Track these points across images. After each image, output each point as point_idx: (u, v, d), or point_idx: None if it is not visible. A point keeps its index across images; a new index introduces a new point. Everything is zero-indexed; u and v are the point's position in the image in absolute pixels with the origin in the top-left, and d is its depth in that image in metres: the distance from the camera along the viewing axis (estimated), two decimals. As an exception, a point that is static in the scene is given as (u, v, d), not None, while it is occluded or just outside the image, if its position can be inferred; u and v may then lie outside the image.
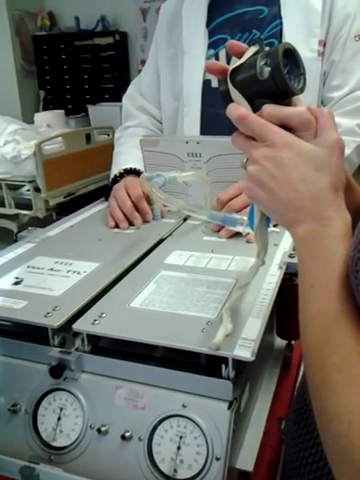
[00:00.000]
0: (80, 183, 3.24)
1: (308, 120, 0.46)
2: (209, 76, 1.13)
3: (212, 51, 1.13)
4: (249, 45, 0.49)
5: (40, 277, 0.68)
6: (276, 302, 0.63)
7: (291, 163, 0.45)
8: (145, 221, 0.94)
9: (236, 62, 0.48)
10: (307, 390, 0.45)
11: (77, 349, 0.58)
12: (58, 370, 0.55)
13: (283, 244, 0.79)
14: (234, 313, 0.55)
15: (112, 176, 1.11)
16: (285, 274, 0.70)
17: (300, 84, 0.47)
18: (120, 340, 0.55)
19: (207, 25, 1.13)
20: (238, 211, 0.86)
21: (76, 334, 0.59)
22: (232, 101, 0.48)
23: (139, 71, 4.60)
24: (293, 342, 0.79)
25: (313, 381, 0.43)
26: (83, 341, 0.57)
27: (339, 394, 0.39)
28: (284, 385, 0.74)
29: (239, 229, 0.85)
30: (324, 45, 1.06)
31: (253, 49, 0.48)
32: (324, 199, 0.45)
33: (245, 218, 0.85)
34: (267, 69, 0.45)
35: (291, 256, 0.73)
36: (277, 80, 0.45)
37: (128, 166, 1.09)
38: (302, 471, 0.51)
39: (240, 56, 0.49)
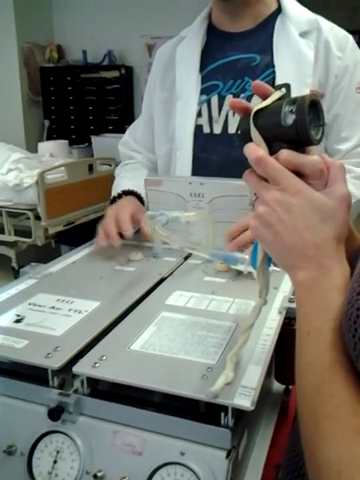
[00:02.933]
0: (80, 212, 3.26)
1: (321, 170, 0.48)
2: (201, 121, 1.15)
3: (204, 97, 1.15)
4: (275, 89, 0.50)
5: (41, 315, 0.69)
6: (275, 346, 0.64)
7: (300, 210, 0.47)
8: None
9: (260, 103, 0.50)
10: (300, 438, 0.46)
11: (76, 391, 0.58)
12: (57, 412, 0.55)
13: (283, 288, 0.80)
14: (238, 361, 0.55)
15: (111, 198, 1.16)
16: (285, 318, 0.71)
17: (319, 135, 0.48)
18: (119, 384, 0.55)
19: (200, 70, 1.15)
20: (245, 246, 0.87)
21: (75, 375, 0.59)
22: (250, 140, 0.50)
23: (143, 104, 4.71)
24: (291, 387, 0.79)
25: (305, 428, 0.43)
26: (82, 383, 0.57)
27: (330, 443, 0.39)
28: (281, 431, 0.73)
29: (240, 268, 0.86)
30: (316, 95, 1.08)
31: (278, 93, 0.50)
32: (327, 249, 0.47)
33: (246, 257, 0.87)
34: (291, 117, 0.47)
35: (291, 300, 0.74)
36: (300, 130, 0.46)
37: (125, 188, 1.15)
38: None
39: (263, 98, 0.50)
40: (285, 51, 1.08)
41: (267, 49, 1.10)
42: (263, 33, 1.11)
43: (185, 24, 1.25)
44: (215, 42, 1.16)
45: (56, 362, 0.57)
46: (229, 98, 1.13)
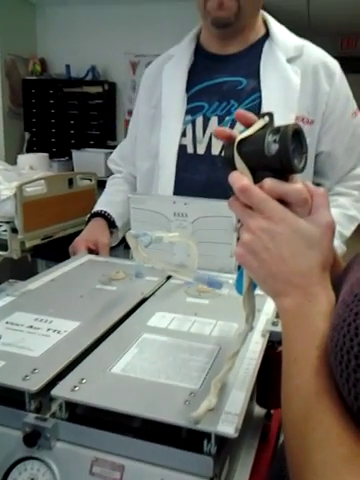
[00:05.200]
0: (59, 226, 3.22)
1: (305, 198, 0.48)
2: (185, 141, 1.16)
3: (189, 117, 1.15)
4: (258, 117, 0.51)
5: (19, 335, 0.67)
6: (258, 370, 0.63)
7: (285, 238, 0.47)
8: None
9: (244, 132, 0.50)
10: (285, 466, 0.45)
11: (53, 415, 0.56)
12: (33, 438, 0.53)
13: (266, 310, 0.79)
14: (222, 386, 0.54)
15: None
16: (268, 342, 0.70)
17: (302, 163, 0.49)
18: (99, 408, 0.53)
19: (187, 90, 1.16)
20: None
21: (53, 398, 0.57)
22: (234, 167, 0.50)
23: (126, 120, 4.73)
24: (272, 411, 0.78)
25: (293, 456, 0.43)
26: (61, 407, 0.55)
27: (319, 474, 0.39)
28: (262, 457, 0.72)
29: (224, 292, 0.85)
30: (302, 120, 1.10)
31: (261, 122, 0.50)
32: (312, 277, 0.47)
33: (230, 282, 0.86)
34: (274, 146, 0.47)
35: (274, 324, 0.73)
36: (283, 159, 0.47)
37: (96, 209, 1.27)
38: None
39: (247, 126, 0.51)
40: (272, 76, 1.09)
41: (254, 73, 1.11)
42: (250, 57, 1.13)
43: (169, 43, 1.26)
44: (202, 63, 1.17)
45: (34, 385, 0.55)
46: (214, 120, 1.13)
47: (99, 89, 4.64)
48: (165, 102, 1.17)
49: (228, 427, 0.49)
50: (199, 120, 1.14)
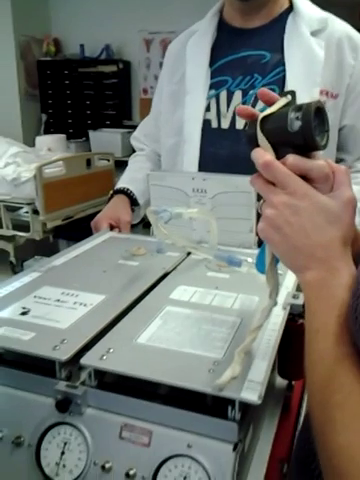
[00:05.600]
0: (78, 207, 3.26)
1: (327, 174, 0.49)
2: (209, 116, 1.16)
3: (213, 92, 1.16)
4: (280, 95, 0.52)
5: (47, 308, 0.69)
6: (279, 342, 0.64)
7: (307, 212, 0.48)
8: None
9: (267, 110, 0.51)
10: (310, 435, 0.47)
11: (83, 383, 0.58)
12: (65, 404, 0.56)
13: (286, 284, 0.80)
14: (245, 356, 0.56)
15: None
16: (289, 314, 0.71)
17: (324, 140, 0.50)
18: (126, 376, 0.55)
19: (210, 65, 1.16)
20: None
21: (82, 367, 0.59)
22: (257, 145, 0.51)
23: (141, 99, 4.72)
24: (294, 382, 0.80)
25: (317, 419, 0.45)
26: (90, 376, 0.57)
27: (341, 431, 0.41)
28: (284, 426, 0.74)
29: (243, 270, 0.86)
30: (326, 94, 1.10)
31: (284, 100, 0.51)
32: (335, 250, 0.48)
33: (249, 260, 0.87)
34: (297, 123, 0.48)
35: (295, 297, 0.74)
36: (306, 135, 0.48)
37: (119, 186, 1.28)
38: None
39: (269, 104, 0.52)
40: (296, 49, 1.09)
41: (277, 47, 1.10)
42: (274, 31, 1.12)
43: (183, 19, 1.26)
44: (226, 38, 1.17)
45: (64, 354, 0.57)
46: (238, 94, 1.14)
47: (114, 68, 4.62)
48: (189, 78, 1.17)
49: (251, 394, 0.51)
50: (223, 94, 1.14)
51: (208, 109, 1.16)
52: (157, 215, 0.84)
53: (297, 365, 0.59)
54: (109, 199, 1.28)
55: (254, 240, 1.00)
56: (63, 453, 0.56)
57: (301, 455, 0.57)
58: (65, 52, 4.93)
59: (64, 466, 0.55)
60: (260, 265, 0.58)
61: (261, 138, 0.51)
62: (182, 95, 1.19)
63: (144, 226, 1.65)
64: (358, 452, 0.39)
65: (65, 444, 0.56)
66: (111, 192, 1.29)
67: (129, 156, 1.48)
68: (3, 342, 0.61)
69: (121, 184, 1.29)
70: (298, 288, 0.76)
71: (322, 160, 0.50)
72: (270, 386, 0.77)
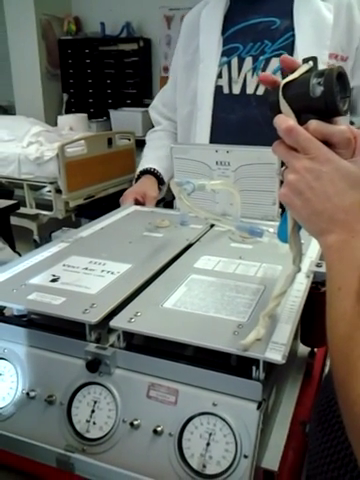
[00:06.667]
0: (100, 186, 3.29)
1: (349, 139, 0.49)
2: (221, 82, 1.20)
3: (225, 59, 1.19)
4: (302, 62, 0.52)
5: (76, 275, 0.71)
6: (302, 310, 0.65)
7: (329, 177, 0.49)
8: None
9: (289, 76, 0.51)
10: (330, 391, 0.48)
11: (112, 345, 0.61)
12: (95, 365, 0.58)
13: (310, 253, 0.81)
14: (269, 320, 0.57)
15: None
16: (312, 283, 0.72)
17: (345, 106, 0.50)
18: (153, 338, 0.57)
19: (222, 33, 1.19)
20: None
21: (110, 331, 0.62)
22: (280, 112, 0.51)
23: (162, 77, 4.68)
24: (316, 350, 0.81)
25: (338, 373, 0.46)
26: (119, 338, 0.60)
27: None
28: (306, 391, 0.75)
29: (265, 240, 0.87)
30: (335, 57, 1.10)
31: (306, 66, 0.51)
32: (356, 214, 0.49)
33: (271, 230, 0.88)
34: (319, 88, 0.48)
35: (318, 265, 0.75)
36: (328, 100, 0.48)
37: (145, 166, 1.30)
38: (325, 469, 0.53)
39: (291, 71, 0.52)
40: (305, 14, 1.11)
41: (287, 12, 1.12)
42: None
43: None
44: (237, 6, 1.20)
45: (93, 317, 0.59)
46: (249, 60, 1.17)
47: (134, 46, 4.58)
48: (203, 46, 1.20)
49: (276, 354, 0.53)
50: (234, 61, 1.18)
51: (220, 76, 1.19)
52: (181, 187, 0.85)
53: (320, 332, 0.60)
54: (136, 180, 1.31)
55: (277, 212, 1.00)
56: (93, 411, 0.58)
57: (321, 411, 0.58)
58: (86, 31, 4.91)
59: (94, 423, 0.58)
60: (282, 234, 0.59)
61: (283, 104, 0.51)
62: (196, 65, 1.22)
63: (165, 205, 1.67)
64: None
65: (95, 403, 0.59)
66: (137, 173, 1.32)
67: (150, 135, 1.50)
68: (35, 306, 0.63)
69: (146, 164, 1.31)
70: (321, 257, 0.77)
71: (344, 125, 0.50)
72: (293, 352, 0.79)
